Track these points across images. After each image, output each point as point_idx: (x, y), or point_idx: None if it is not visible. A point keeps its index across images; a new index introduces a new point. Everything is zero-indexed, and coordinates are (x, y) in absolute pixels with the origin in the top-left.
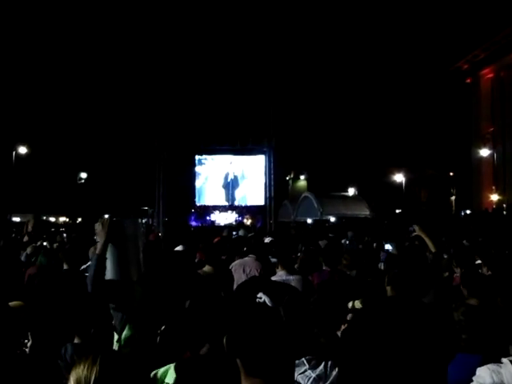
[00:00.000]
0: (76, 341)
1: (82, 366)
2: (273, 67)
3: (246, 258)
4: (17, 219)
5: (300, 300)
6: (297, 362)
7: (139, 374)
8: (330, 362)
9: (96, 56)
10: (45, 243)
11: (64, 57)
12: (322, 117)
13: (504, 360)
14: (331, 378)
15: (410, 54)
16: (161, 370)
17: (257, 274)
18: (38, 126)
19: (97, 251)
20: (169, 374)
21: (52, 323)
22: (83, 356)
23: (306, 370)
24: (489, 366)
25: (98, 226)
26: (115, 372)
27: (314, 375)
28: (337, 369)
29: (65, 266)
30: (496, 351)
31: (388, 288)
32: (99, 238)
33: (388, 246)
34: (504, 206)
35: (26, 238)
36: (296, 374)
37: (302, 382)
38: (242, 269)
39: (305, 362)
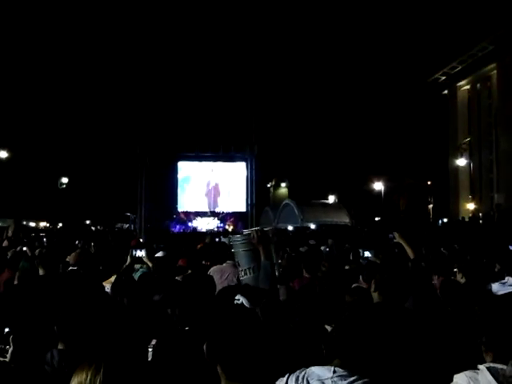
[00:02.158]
0: (60, 347)
1: (84, 374)
2: (255, 76)
3: (224, 265)
4: None
5: (278, 301)
6: (326, 367)
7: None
8: (362, 380)
9: (79, 62)
10: (25, 248)
11: (46, 62)
12: (303, 125)
13: (480, 367)
14: None
15: (388, 66)
16: None
17: (234, 280)
18: (19, 130)
19: (264, 257)
20: None
21: (33, 329)
22: (84, 363)
23: (326, 378)
24: (466, 372)
25: (254, 234)
26: (119, 380)
27: None
28: None
29: (40, 272)
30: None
31: (375, 294)
32: (260, 247)
33: (367, 253)
34: (480, 214)
35: (5, 243)
36: (315, 379)
37: None
38: (219, 275)
39: (332, 370)
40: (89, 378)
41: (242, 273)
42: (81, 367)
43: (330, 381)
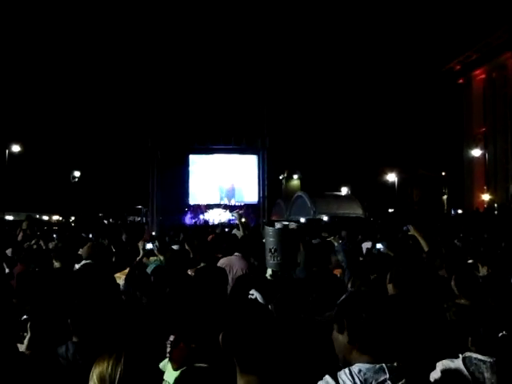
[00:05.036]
0: (75, 339)
1: (105, 364)
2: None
3: (232, 257)
4: (10, 218)
5: (292, 297)
6: (377, 366)
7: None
8: (414, 375)
9: (90, 56)
10: (40, 242)
11: (58, 56)
12: (315, 117)
13: (460, 356)
14: None
15: (402, 55)
16: (160, 365)
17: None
18: (32, 124)
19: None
20: (168, 369)
21: (49, 320)
22: (104, 353)
23: (385, 380)
24: (443, 361)
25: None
26: (139, 370)
27: None
28: None
29: (56, 265)
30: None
31: (390, 286)
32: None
33: (379, 245)
34: (495, 205)
35: (20, 237)
36: (374, 382)
37: None
38: (227, 269)
39: (386, 369)
40: (110, 367)
41: (269, 256)
42: (101, 357)
43: (389, 382)
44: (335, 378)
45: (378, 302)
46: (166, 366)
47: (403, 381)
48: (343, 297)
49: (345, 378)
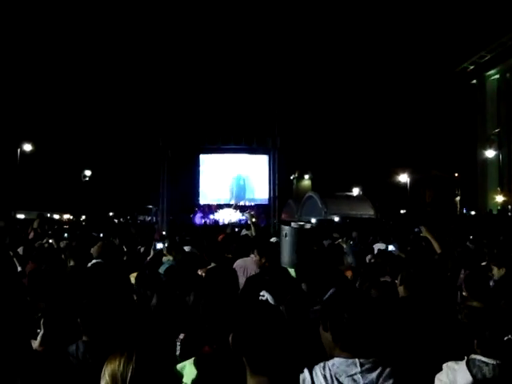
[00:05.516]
0: (85, 338)
1: (117, 362)
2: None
3: (248, 258)
4: (21, 216)
5: (302, 298)
6: (350, 361)
7: (169, 371)
8: (387, 370)
9: (102, 55)
10: (50, 241)
11: (69, 55)
12: (327, 117)
13: (465, 358)
14: None
15: (415, 55)
16: (177, 368)
17: None
18: (43, 123)
19: None
20: (186, 372)
21: (61, 318)
22: (116, 352)
23: (355, 374)
24: (448, 363)
25: None
26: (151, 369)
27: (362, 382)
28: (392, 380)
29: (71, 264)
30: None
31: (401, 288)
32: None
33: (391, 247)
34: (509, 207)
35: (31, 236)
36: (344, 375)
37: None
38: (242, 270)
39: (358, 364)
40: (122, 365)
41: (285, 254)
42: (113, 356)
43: (359, 375)
44: (311, 371)
45: (360, 303)
46: (184, 368)
47: (391, 381)
48: (326, 296)
49: (318, 371)
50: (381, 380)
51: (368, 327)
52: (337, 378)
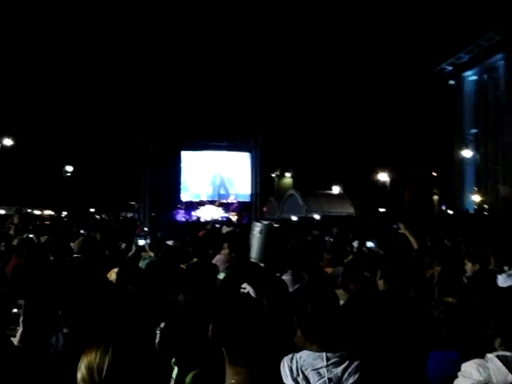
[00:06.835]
0: (65, 330)
1: (93, 354)
2: (260, 66)
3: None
4: (1, 212)
5: (284, 292)
6: (317, 354)
7: (149, 363)
8: (354, 364)
9: (84, 51)
10: (31, 235)
11: (51, 51)
12: (308, 115)
13: (489, 355)
14: None
15: (394, 56)
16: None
17: None
18: (24, 118)
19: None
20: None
21: (41, 312)
22: (93, 344)
23: (321, 367)
24: (475, 360)
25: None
26: (127, 361)
27: (327, 376)
28: (358, 374)
29: (51, 258)
30: (474, 348)
31: (380, 282)
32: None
33: (370, 244)
34: (485, 206)
35: (12, 231)
36: (310, 369)
37: (311, 379)
38: (224, 266)
39: (324, 357)
40: (98, 357)
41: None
42: (90, 348)
43: (325, 369)
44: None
45: (324, 295)
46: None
47: (357, 375)
48: (293, 289)
49: (285, 363)
50: (346, 374)
51: (334, 318)
52: (302, 371)
